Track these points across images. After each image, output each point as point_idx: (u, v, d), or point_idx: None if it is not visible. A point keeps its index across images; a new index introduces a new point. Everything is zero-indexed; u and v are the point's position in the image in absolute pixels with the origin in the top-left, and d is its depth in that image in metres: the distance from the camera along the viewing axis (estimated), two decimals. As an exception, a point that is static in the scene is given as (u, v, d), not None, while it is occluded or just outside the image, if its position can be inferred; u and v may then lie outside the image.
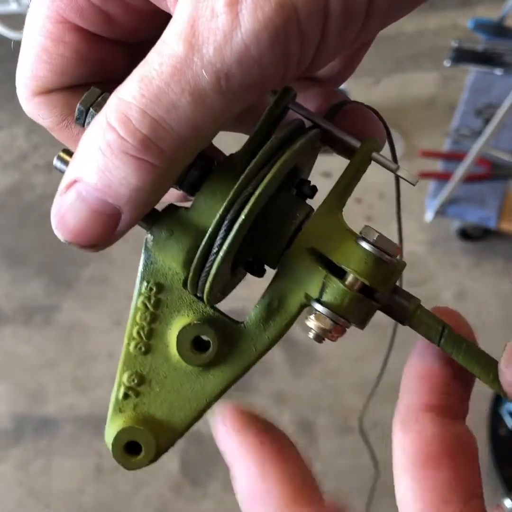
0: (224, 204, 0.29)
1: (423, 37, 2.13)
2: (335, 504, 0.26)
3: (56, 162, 0.32)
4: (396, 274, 0.31)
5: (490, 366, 0.31)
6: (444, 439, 0.30)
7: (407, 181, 0.32)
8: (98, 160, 0.28)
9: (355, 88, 1.83)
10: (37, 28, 0.32)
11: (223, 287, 0.33)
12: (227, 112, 0.28)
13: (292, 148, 0.30)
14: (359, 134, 0.33)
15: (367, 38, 0.30)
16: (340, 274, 0.31)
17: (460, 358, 0.31)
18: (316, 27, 0.27)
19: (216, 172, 0.31)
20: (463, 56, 1.88)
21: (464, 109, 1.82)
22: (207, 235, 0.30)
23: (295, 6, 0.26)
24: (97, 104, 0.31)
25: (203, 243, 0.30)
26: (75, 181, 0.29)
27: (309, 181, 0.34)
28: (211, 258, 0.30)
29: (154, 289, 0.32)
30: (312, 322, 0.31)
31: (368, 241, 0.30)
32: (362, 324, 0.31)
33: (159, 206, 0.31)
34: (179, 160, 0.28)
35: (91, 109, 0.31)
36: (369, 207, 1.81)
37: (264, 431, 0.29)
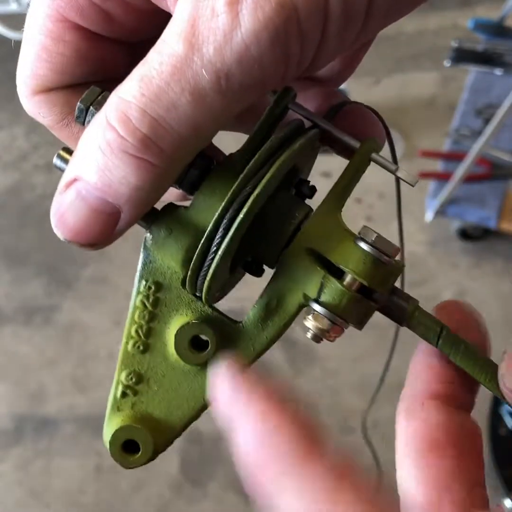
0: (223, 203, 0.29)
1: (423, 37, 2.13)
2: (346, 455, 0.25)
3: (56, 161, 0.32)
4: (394, 274, 0.31)
5: (487, 368, 0.31)
6: (449, 428, 0.29)
7: (406, 182, 0.32)
8: (98, 159, 0.28)
9: (355, 88, 1.83)
10: (37, 27, 0.32)
11: (222, 286, 0.33)
12: (227, 111, 0.28)
13: (291, 148, 0.30)
14: (358, 134, 0.33)
15: (367, 38, 0.30)
16: (339, 274, 0.31)
17: (458, 360, 0.31)
18: (316, 27, 0.27)
19: (216, 171, 0.31)
20: (463, 56, 1.88)
21: (464, 109, 1.82)
22: (206, 234, 0.30)
23: (295, 6, 0.26)
24: (97, 103, 0.31)
25: (201, 242, 0.30)
26: (75, 180, 0.29)
27: (308, 181, 0.34)
28: (210, 257, 0.30)
29: (153, 288, 0.32)
30: (310, 322, 0.31)
31: (366, 242, 0.30)
32: (360, 324, 0.31)
33: (159, 205, 0.31)
34: (178, 159, 0.28)
35: (91, 107, 0.31)
36: (369, 207, 1.81)
37: (267, 384, 0.28)
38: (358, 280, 0.30)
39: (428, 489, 0.28)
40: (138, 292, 0.32)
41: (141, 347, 0.33)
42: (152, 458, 0.33)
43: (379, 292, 0.31)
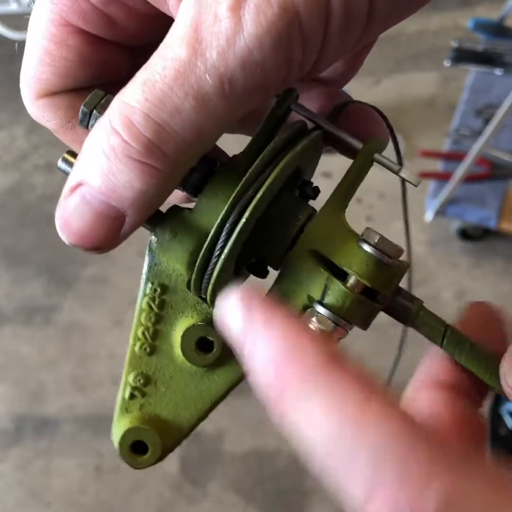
0: (226, 207, 0.29)
1: (423, 37, 2.13)
2: (371, 374, 0.24)
3: (61, 164, 0.32)
4: (398, 276, 0.31)
5: (492, 367, 0.31)
6: (453, 412, 0.29)
7: (409, 182, 0.32)
8: (102, 164, 0.28)
9: (356, 88, 1.82)
10: (40, 31, 0.32)
11: (226, 288, 0.33)
12: (231, 115, 0.28)
13: (294, 150, 0.30)
14: (362, 134, 0.33)
15: (369, 41, 0.30)
16: (342, 276, 0.31)
17: (463, 359, 0.31)
18: (318, 31, 0.27)
19: (219, 173, 0.31)
20: (463, 56, 1.88)
21: (464, 109, 1.82)
22: (209, 237, 0.30)
23: (297, 10, 0.26)
24: (101, 106, 0.31)
25: (205, 245, 0.30)
26: (79, 184, 0.29)
27: (312, 183, 0.34)
28: (214, 260, 0.30)
29: (159, 290, 0.32)
30: (314, 324, 0.31)
31: (369, 243, 0.30)
32: (364, 325, 0.31)
33: (163, 207, 0.31)
34: (182, 163, 0.29)
35: (94, 111, 0.31)
36: (369, 207, 1.81)
37: (285, 307, 0.26)
38: (362, 282, 0.30)
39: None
40: (144, 295, 0.33)
41: (148, 349, 0.33)
42: (161, 458, 0.33)
43: (382, 294, 0.31)
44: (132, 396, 0.33)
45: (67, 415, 1.61)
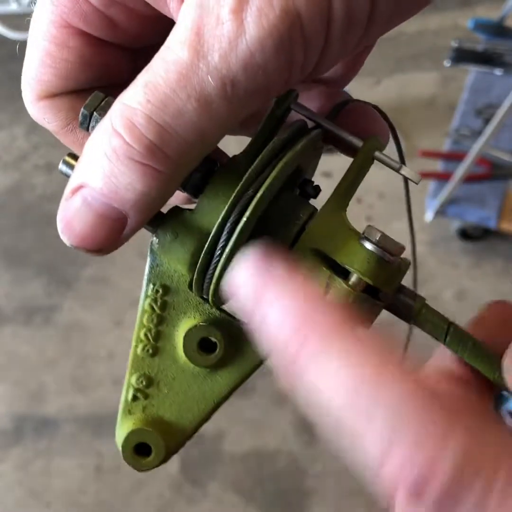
0: (226, 206, 0.29)
1: (423, 37, 2.13)
2: (383, 337, 0.24)
3: (62, 166, 0.32)
4: (399, 273, 0.31)
5: (495, 365, 0.31)
6: (455, 397, 0.29)
7: (410, 180, 0.32)
8: (103, 166, 0.28)
9: (356, 88, 1.82)
10: (41, 32, 0.32)
11: None
12: (233, 117, 0.28)
13: (293, 150, 0.30)
14: (362, 132, 0.33)
15: (370, 43, 0.30)
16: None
17: (466, 356, 0.31)
18: (319, 34, 0.27)
19: (219, 174, 0.31)
20: (463, 56, 1.88)
21: (464, 109, 1.82)
22: (210, 237, 0.30)
23: (299, 13, 0.26)
24: (101, 108, 0.31)
25: (206, 245, 0.30)
26: (80, 187, 0.29)
27: (313, 181, 0.34)
28: (215, 260, 0.30)
29: (161, 291, 0.32)
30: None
31: (371, 241, 0.30)
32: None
33: (164, 209, 0.31)
34: (184, 165, 0.29)
35: (94, 113, 0.31)
36: (369, 207, 1.81)
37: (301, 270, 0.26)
38: (363, 280, 0.30)
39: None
40: (146, 296, 0.33)
41: (151, 351, 0.33)
42: (164, 460, 0.33)
43: (384, 291, 0.31)
44: (134, 398, 0.33)
45: (67, 415, 1.61)
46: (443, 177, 1.70)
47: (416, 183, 0.32)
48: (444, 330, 0.31)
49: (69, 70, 0.33)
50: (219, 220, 0.30)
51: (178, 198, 0.35)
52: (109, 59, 0.34)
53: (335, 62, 0.30)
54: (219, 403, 0.33)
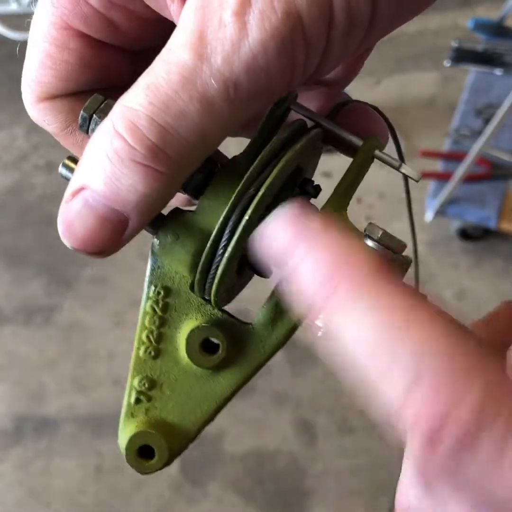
0: (227, 206, 0.29)
1: (423, 37, 2.13)
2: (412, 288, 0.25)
3: (61, 169, 0.32)
4: (402, 271, 0.31)
5: None
6: None
7: (410, 178, 0.32)
8: (105, 168, 0.28)
9: (356, 88, 1.82)
10: (41, 34, 0.32)
11: (230, 288, 0.33)
12: (235, 119, 0.28)
13: (293, 149, 0.30)
14: (361, 132, 0.33)
15: (371, 45, 0.30)
16: None
17: None
18: (321, 36, 0.27)
19: (219, 175, 0.31)
20: (463, 56, 1.88)
21: (464, 109, 1.82)
22: (211, 238, 0.30)
23: (300, 16, 0.26)
24: (100, 111, 0.31)
25: (207, 246, 0.30)
26: (81, 189, 0.29)
27: (313, 181, 0.35)
28: (216, 261, 0.30)
29: (162, 293, 0.32)
30: (321, 322, 0.31)
31: (372, 239, 0.30)
32: None
33: (164, 210, 0.31)
34: (186, 166, 0.29)
35: (94, 116, 0.31)
36: (369, 207, 1.81)
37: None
38: None
39: None
40: (148, 298, 0.32)
41: (153, 353, 0.33)
42: (168, 463, 0.33)
43: None
44: (137, 400, 0.33)
45: (67, 415, 1.61)
46: (443, 177, 1.70)
47: (416, 181, 0.32)
48: None
49: (69, 72, 0.33)
50: (221, 219, 0.30)
51: (178, 199, 0.35)
52: (109, 61, 0.34)
53: (336, 64, 0.30)
54: (222, 404, 0.33)
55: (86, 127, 0.31)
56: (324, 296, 0.24)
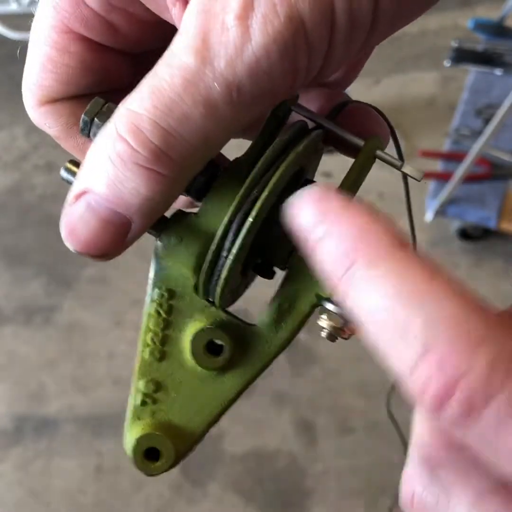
0: (231, 208, 0.30)
1: (424, 37, 2.13)
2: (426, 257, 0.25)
3: (63, 173, 0.32)
4: None
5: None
6: None
7: (412, 177, 0.33)
8: (108, 171, 0.28)
9: (356, 88, 1.82)
10: (42, 37, 0.32)
11: (234, 290, 0.33)
12: (238, 122, 0.28)
13: (295, 150, 0.31)
14: (362, 133, 0.33)
15: (372, 47, 0.30)
16: None
17: None
18: (323, 39, 0.27)
19: (222, 177, 0.31)
20: (463, 56, 1.88)
21: (464, 109, 1.82)
22: (216, 239, 0.30)
23: (302, 19, 0.26)
24: (102, 114, 0.31)
25: (212, 248, 0.30)
26: (84, 192, 0.29)
27: (315, 182, 0.35)
28: (221, 262, 0.30)
29: (166, 295, 0.32)
30: (324, 322, 0.31)
31: None
32: None
33: (167, 212, 0.31)
34: (189, 169, 0.29)
35: (95, 119, 0.31)
36: (369, 207, 1.81)
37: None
38: None
39: None
40: (152, 300, 0.33)
41: (158, 355, 0.33)
42: (174, 464, 0.33)
43: None
44: (143, 402, 0.33)
45: (67, 415, 1.61)
46: (443, 177, 1.70)
47: (418, 181, 0.33)
48: None
49: (70, 75, 0.33)
50: (225, 222, 0.30)
51: (180, 201, 0.35)
52: (110, 64, 0.34)
53: (338, 67, 0.30)
54: (227, 406, 0.33)
55: (87, 131, 0.31)
56: (345, 267, 0.25)
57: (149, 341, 0.33)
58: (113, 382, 1.62)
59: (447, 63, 1.88)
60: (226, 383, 0.33)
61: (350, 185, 0.32)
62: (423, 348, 0.23)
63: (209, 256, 0.30)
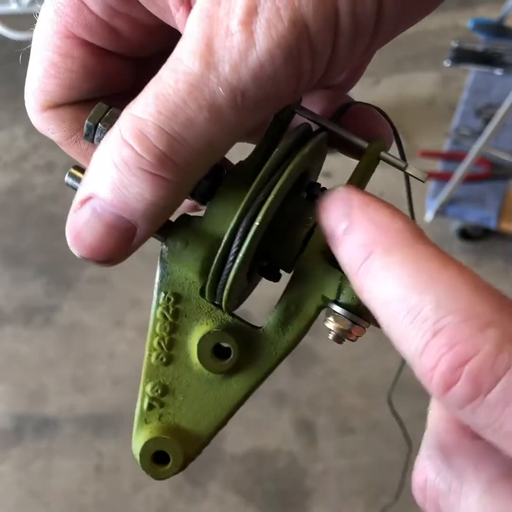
0: (238, 212, 0.30)
1: (424, 38, 2.13)
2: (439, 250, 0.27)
3: (68, 179, 0.32)
4: None
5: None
6: None
7: (417, 178, 0.33)
8: (113, 176, 0.28)
9: (356, 89, 1.82)
10: (45, 43, 0.32)
11: (240, 293, 0.33)
12: (242, 126, 0.28)
13: (301, 153, 0.31)
14: (365, 134, 0.33)
15: (376, 50, 0.30)
16: None
17: None
18: (327, 43, 0.27)
19: (227, 180, 0.31)
20: (463, 56, 1.88)
21: (464, 109, 1.82)
22: (223, 243, 0.30)
23: (306, 23, 0.26)
24: (105, 120, 0.31)
25: (219, 251, 0.30)
26: (89, 198, 0.29)
27: (319, 184, 0.35)
28: (228, 266, 0.30)
29: (172, 299, 0.32)
30: (331, 324, 0.31)
31: None
32: None
33: (171, 216, 0.32)
34: (194, 174, 0.29)
35: (99, 124, 0.31)
36: (369, 207, 1.81)
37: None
38: None
39: None
40: (158, 304, 0.33)
41: (164, 359, 0.33)
42: (183, 468, 0.33)
43: None
44: (150, 406, 0.33)
45: (67, 415, 1.61)
46: (443, 177, 1.70)
47: (423, 182, 0.33)
48: None
49: (73, 80, 0.33)
50: (232, 225, 0.30)
51: (184, 205, 0.35)
52: (112, 68, 0.34)
53: (342, 70, 0.30)
54: (234, 408, 0.33)
55: (91, 136, 0.32)
56: (363, 257, 0.26)
57: (155, 345, 0.33)
58: (113, 382, 1.62)
59: (447, 63, 1.88)
60: (233, 386, 0.33)
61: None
62: (433, 331, 0.24)
63: (216, 260, 0.30)
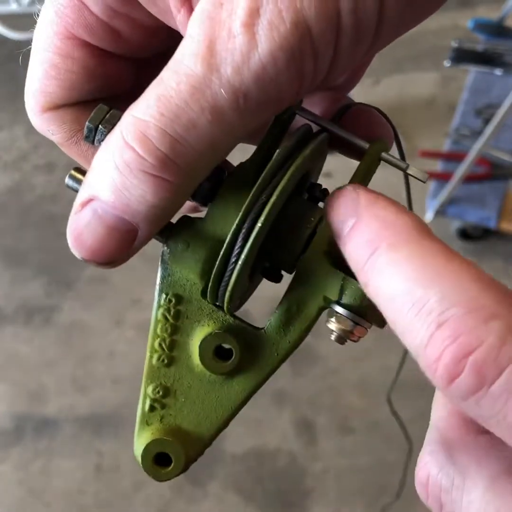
0: (240, 213, 0.30)
1: (423, 38, 2.13)
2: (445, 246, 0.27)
3: (68, 181, 0.32)
4: None
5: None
6: None
7: (417, 179, 0.33)
8: (114, 178, 0.28)
9: (356, 89, 1.82)
10: (45, 44, 0.32)
11: (242, 294, 0.33)
12: (244, 128, 0.28)
13: (303, 155, 0.31)
14: (366, 135, 0.33)
15: (377, 51, 0.30)
16: None
17: None
18: (329, 45, 0.27)
19: (228, 182, 0.31)
20: (463, 56, 1.88)
21: (464, 109, 1.82)
22: (225, 245, 0.30)
23: (308, 25, 0.26)
24: (106, 121, 0.31)
25: (221, 253, 0.30)
26: (90, 200, 0.29)
27: (320, 185, 0.35)
28: (230, 267, 0.30)
29: (173, 300, 0.32)
30: (333, 324, 0.31)
31: None
32: (382, 323, 0.31)
33: (173, 218, 0.32)
34: (195, 176, 0.29)
35: (100, 126, 0.31)
36: (369, 207, 1.81)
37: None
38: None
39: None
40: (159, 306, 0.33)
41: (166, 360, 0.33)
42: (185, 469, 0.33)
43: None
44: (152, 408, 0.33)
45: (67, 415, 1.61)
46: (443, 177, 1.70)
47: (424, 182, 0.33)
48: None
49: (73, 81, 0.33)
50: (234, 226, 0.30)
51: (185, 206, 0.35)
52: (112, 69, 0.34)
53: (344, 72, 0.30)
54: (236, 410, 0.33)
55: (92, 138, 0.31)
56: (369, 253, 0.27)
57: (157, 347, 0.33)
58: (113, 382, 1.62)
59: (447, 63, 1.88)
60: (235, 387, 0.33)
61: None
62: (437, 322, 0.24)
63: (218, 261, 0.30)
